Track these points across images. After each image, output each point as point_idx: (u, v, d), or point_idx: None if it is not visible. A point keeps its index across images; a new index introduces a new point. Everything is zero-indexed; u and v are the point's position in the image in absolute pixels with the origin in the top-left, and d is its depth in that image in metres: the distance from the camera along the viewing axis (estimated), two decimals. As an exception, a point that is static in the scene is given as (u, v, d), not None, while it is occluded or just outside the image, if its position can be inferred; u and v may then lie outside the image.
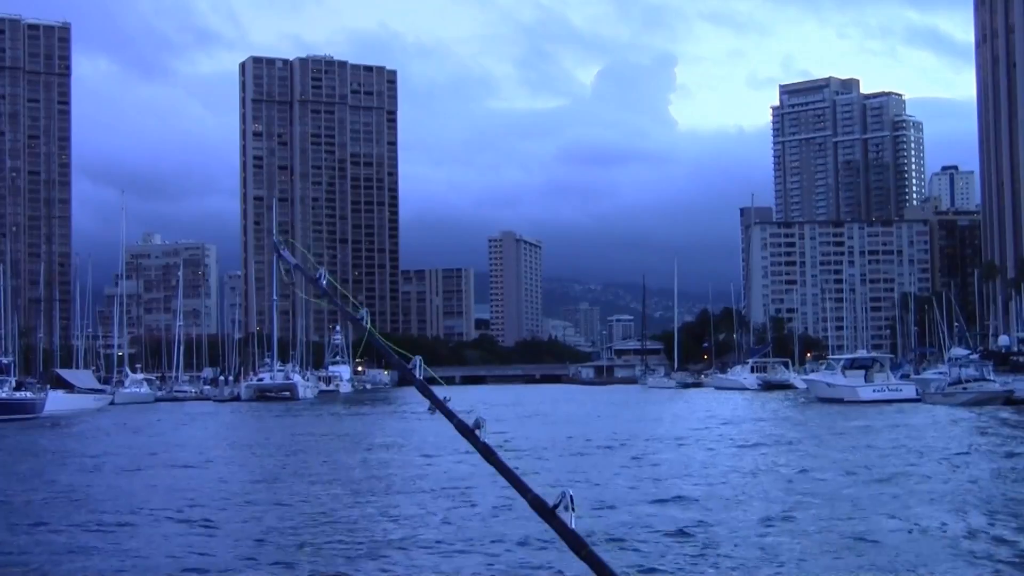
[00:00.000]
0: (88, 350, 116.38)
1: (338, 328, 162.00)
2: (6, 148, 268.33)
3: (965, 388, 69.04)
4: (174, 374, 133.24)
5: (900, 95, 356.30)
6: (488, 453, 4.06)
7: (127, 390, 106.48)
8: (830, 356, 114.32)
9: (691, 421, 59.48)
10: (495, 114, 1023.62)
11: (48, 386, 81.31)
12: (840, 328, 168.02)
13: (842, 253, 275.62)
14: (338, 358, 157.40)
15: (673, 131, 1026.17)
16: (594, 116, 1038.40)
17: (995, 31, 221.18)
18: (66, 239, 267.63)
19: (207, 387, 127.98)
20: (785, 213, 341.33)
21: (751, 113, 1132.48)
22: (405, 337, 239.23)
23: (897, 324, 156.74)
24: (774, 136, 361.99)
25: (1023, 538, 18.33)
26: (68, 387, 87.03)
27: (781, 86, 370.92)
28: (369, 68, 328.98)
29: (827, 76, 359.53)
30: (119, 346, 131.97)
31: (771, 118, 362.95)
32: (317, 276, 4.72)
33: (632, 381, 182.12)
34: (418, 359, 4.62)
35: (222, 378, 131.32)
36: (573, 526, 3.69)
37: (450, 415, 4.23)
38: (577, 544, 3.67)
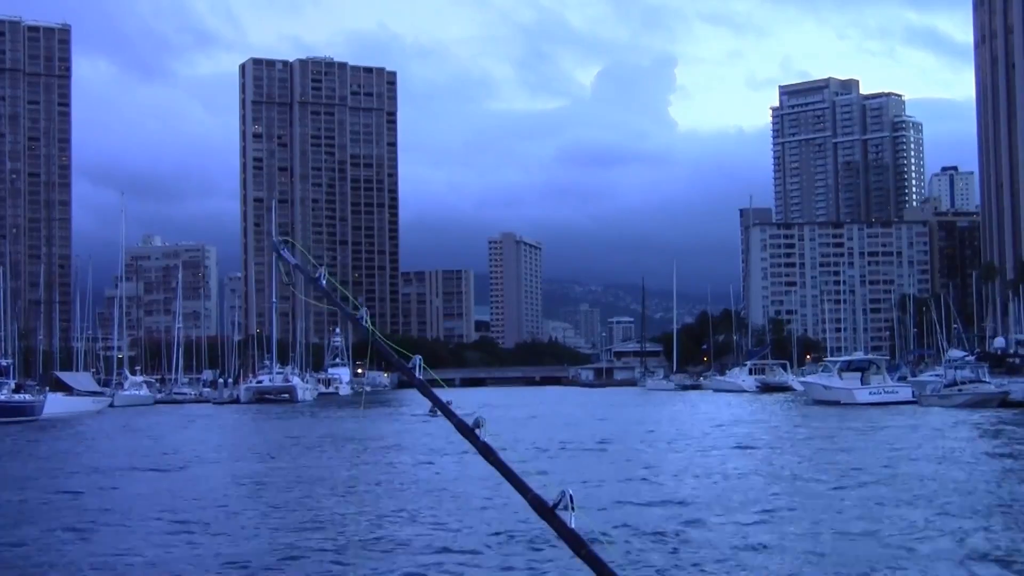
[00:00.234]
0: (88, 352, 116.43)
1: (338, 330, 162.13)
2: (6, 150, 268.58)
3: (960, 390, 69.18)
4: (174, 376, 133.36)
5: (900, 96, 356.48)
6: (488, 452, 4.02)
7: (126, 392, 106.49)
8: (827, 358, 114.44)
9: (685, 423, 59.74)
10: (495, 115, 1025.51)
11: (47, 388, 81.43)
12: (840, 330, 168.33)
13: (842, 254, 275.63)
14: (338, 360, 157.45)
15: (673, 132, 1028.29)
16: (594, 117, 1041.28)
17: (994, 31, 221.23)
18: (66, 241, 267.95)
19: (206, 389, 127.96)
20: (785, 214, 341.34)
21: (750, 114, 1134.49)
22: (405, 339, 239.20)
23: (895, 326, 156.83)
24: (774, 137, 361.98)
25: (1005, 537, 18.56)
26: (67, 389, 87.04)
27: (781, 87, 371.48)
28: (369, 70, 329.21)
29: (826, 77, 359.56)
30: (119, 348, 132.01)
31: (771, 119, 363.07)
32: (317, 276, 4.71)
33: (631, 383, 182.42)
34: (418, 358, 4.60)
35: (221, 380, 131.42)
36: (573, 525, 3.68)
37: (450, 414, 4.22)
38: (577, 543, 3.67)
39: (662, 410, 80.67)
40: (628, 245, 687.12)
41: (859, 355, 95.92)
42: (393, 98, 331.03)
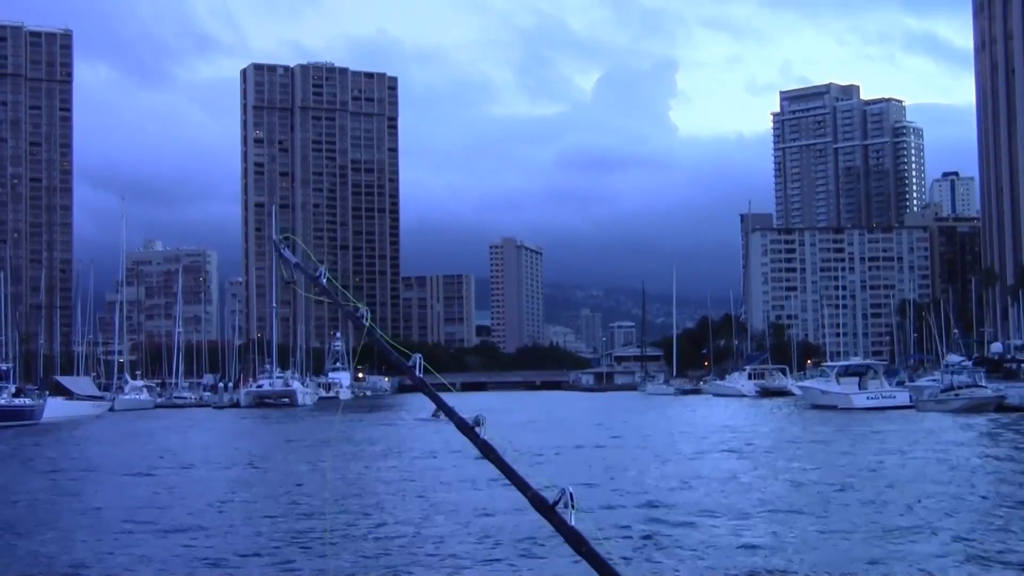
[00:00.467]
0: (89, 356, 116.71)
1: (338, 334, 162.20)
2: (8, 155, 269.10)
3: (957, 395, 69.30)
4: (174, 380, 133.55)
5: (900, 101, 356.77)
6: (488, 451, 4.02)
7: (126, 397, 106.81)
8: (825, 363, 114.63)
9: (683, 428, 59.91)
10: (495, 120, 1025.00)
11: (47, 393, 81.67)
12: (840, 335, 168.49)
13: (842, 259, 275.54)
14: (338, 364, 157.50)
15: (673, 137, 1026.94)
16: (594, 122, 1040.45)
17: (994, 37, 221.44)
18: (67, 245, 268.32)
19: (207, 394, 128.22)
20: (786, 219, 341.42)
21: (751, 119, 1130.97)
22: (406, 343, 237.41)
23: (895, 331, 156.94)
24: (774, 142, 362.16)
25: (993, 538, 18.74)
26: (67, 394, 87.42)
27: (781, 92, 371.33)
28: (370, 75, 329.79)
29: (827, 82, 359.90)
30: (119, 352, 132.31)
31: (771, 124, 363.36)
32: (317, 274, 4.77)
33: (632, 388, 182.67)
34: (418, 356, 4.63)
35: (221, 385, 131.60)
36: (573, 523, 3.70)
37: (451, 412, 4.22)
38: (577, 541, 3.68)
39: (660, 414, 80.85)
40: (629, 250, 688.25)
41: (857, 360, 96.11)
42: (394, 103, 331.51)
